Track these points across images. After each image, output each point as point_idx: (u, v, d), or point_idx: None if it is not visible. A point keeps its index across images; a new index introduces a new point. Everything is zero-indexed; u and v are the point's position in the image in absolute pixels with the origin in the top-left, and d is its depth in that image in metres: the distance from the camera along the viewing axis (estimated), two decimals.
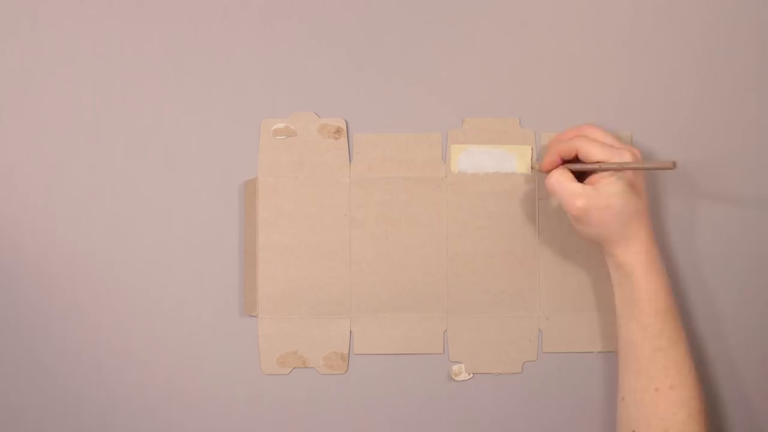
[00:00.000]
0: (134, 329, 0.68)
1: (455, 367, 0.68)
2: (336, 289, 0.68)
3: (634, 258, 0.60)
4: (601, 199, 0.59)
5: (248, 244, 0.68)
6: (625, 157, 0.59)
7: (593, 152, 0.60)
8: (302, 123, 0.68)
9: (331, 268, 0.68)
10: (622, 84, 0.68)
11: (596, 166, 0.60)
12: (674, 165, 0.58)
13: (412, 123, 0.68)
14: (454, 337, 0.68)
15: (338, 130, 0.68)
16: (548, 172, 0.63)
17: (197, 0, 0.68)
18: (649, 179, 0.67)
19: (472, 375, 0.68)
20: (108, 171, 0.68)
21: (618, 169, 0.59)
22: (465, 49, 0.68)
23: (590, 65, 0.68)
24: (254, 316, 0.68)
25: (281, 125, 0.68)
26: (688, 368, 0.60)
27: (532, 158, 0.67)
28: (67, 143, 0.68)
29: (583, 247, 0.68)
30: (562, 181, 0.61)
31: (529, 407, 0.68)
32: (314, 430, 0.68)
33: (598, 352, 0.68)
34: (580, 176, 0.62)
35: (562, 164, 0.62)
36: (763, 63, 0.68)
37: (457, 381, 0.68)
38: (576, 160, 0.62)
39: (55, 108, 0.68)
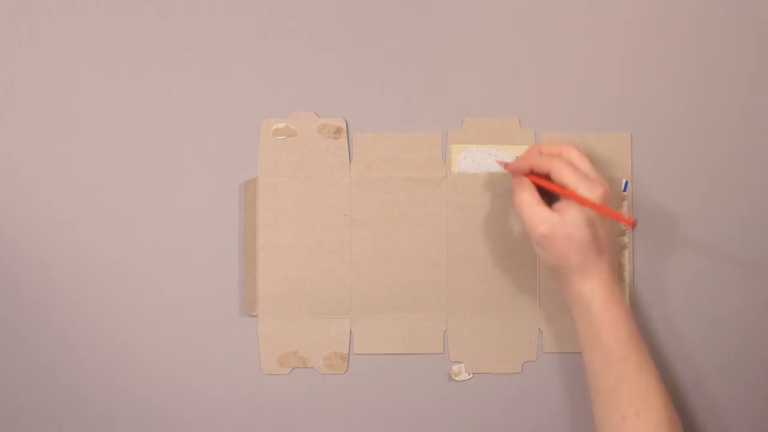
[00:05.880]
0: (134, 329, 0.68)
1: (455, 367, 0.68)
2: (336, 289, 0.68)
3: (591, 289, 0.60)
4: (564, 228, 0.59)
5: (248, 244, 0.68)
6: (596, 191, 0.59)
7: (566, 177, 0.59)
8: (302, 123, 0.68)
9: (331, 268, 0.68)
10: (622, 84, 0.68)
11: (562, 191, 0.59)
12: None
13: (412, 123, 0.68)
14: (454, 337, 0.68)
15: (338, 130, 0.68)
16: (512, 173, 0.62)
17: (197, 0, 0.68)
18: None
19: (472, 375, 0.68)
20: (108, 171, 0.68)
21: (579, 202, 0.59)
22: (465, 49, 0.68)
23: (590, 65, 0.68)
24: (254, 316, 0.68)
25: (281, 125, 0.68)
26: (655, 394, 0.59)
27: None
28: (68, 143, 0.68)
29: None
30: (530, 203, 0.60)
31: (529, 407, 0.68)
32: (314, 430, 0.68)
33: None
34: (549, 198, 0.61)
35: (529, 176, 0.61)
36: (763, 63, 0.68)
37: (457, 381, 0.68)
38: (547, 177, 0.61)
39: (56, 108, 0.68)
